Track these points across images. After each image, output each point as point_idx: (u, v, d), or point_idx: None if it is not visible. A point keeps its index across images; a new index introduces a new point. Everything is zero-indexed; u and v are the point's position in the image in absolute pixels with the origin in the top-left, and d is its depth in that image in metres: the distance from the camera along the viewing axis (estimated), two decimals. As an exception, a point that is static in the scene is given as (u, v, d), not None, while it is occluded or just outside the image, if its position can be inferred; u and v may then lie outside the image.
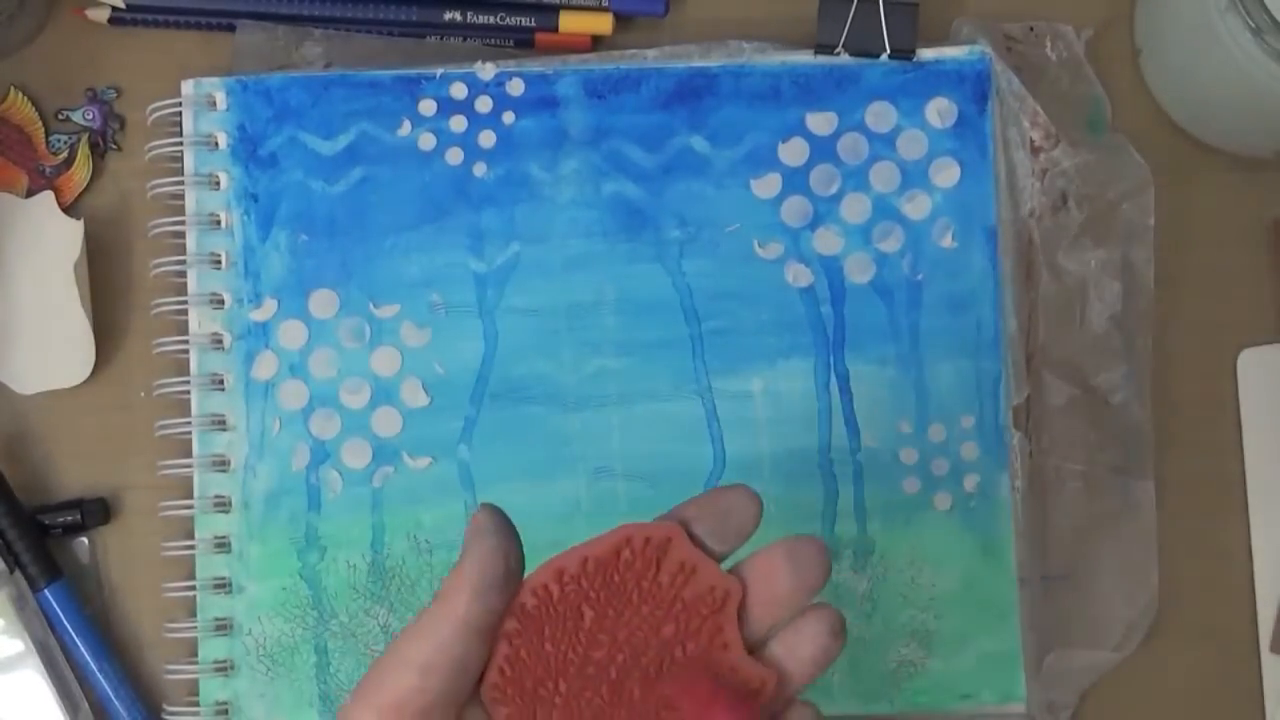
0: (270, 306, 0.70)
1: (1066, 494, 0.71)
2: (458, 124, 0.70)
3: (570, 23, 0.73)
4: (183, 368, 0.70)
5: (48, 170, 0.73)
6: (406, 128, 0.70)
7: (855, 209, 0.70)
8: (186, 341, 0.70)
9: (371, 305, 0.70)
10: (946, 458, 0.70)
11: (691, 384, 0.70)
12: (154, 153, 0.71)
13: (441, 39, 0.73)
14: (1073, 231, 0.71)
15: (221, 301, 0.70)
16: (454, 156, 0.70)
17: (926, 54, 0.71)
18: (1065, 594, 0.71)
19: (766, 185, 0.70)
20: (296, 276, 0.70)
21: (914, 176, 0.70)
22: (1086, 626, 0.70)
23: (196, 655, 0.69)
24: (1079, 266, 0.71)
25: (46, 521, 0.71)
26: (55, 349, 0.71)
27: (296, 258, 0.70)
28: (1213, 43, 0.66)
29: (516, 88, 0.71)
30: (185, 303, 0.70)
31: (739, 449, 0.69)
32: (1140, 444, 0.71)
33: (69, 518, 0.71)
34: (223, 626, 0.69)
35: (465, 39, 0.73)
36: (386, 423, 0.70)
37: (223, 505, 0.70)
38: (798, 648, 0.50)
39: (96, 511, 0.71)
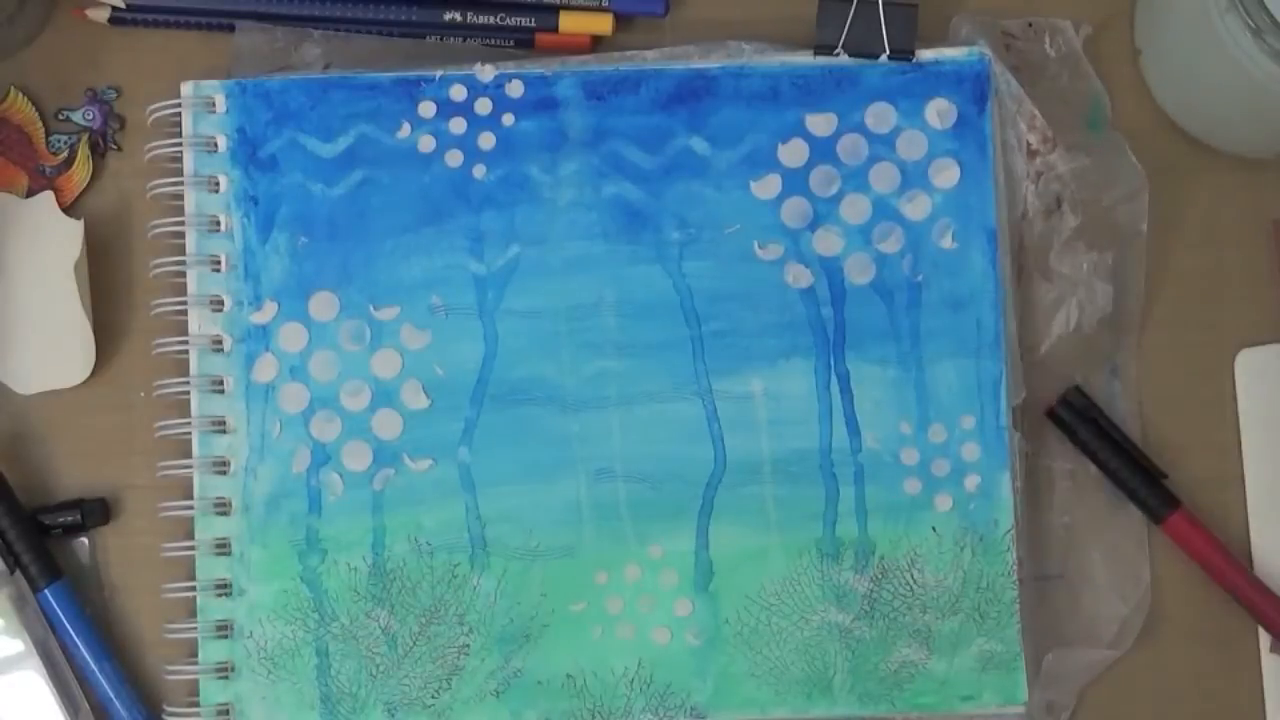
0: (270, 309, 0.70)
1: (1057, 494, 0.71)
2: (457, 126, 0.70)
3: (570, 23, 0.73)
4: (183, 368, 0.70)
5: (48, 170, 0.73)
6: (406, 130, 0.70)
7: (855, 210, 0.70)
8: (186, 342, 0.70)
9: (371, 308, 0.70)
10: (947, 458, 0.70)
11: (692, 385, 0.70)
12: (154, 153, 0.71)
13: (441, 39, 0.73)
14: (1065, 235, 0.71)
15: (221, 304, 0.70)
16: (454, 158, 0.70)
17: (926, 55, 0.71)
18: (1059, 593, 0.71)
19: (766, 186, 0.70)
20: (296, 279, 0.70)
21: (914, 177, 0.70)
22: (1080, 625, 0.71)
23: (197, 656, 0.69)
24: (1071, 270, 0.71)
25: (46, 521, 0.71)
26: (55, 349, 0.71)
27: (296, 260, 0.70)
28: (1213, 43, 0.66)
29: (516, 89, 0.70)
30: (185, 303, 0.70)
31: (739, 450, 0.69)
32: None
33: (69, 518, 0.71)
34: (223, 629, 0.69)
35: (465, 39, 0.73)
36: (387, 425, 0.70)
37: (223, 508, 0.70)
38: None
39: (96, 512, 0.71)
